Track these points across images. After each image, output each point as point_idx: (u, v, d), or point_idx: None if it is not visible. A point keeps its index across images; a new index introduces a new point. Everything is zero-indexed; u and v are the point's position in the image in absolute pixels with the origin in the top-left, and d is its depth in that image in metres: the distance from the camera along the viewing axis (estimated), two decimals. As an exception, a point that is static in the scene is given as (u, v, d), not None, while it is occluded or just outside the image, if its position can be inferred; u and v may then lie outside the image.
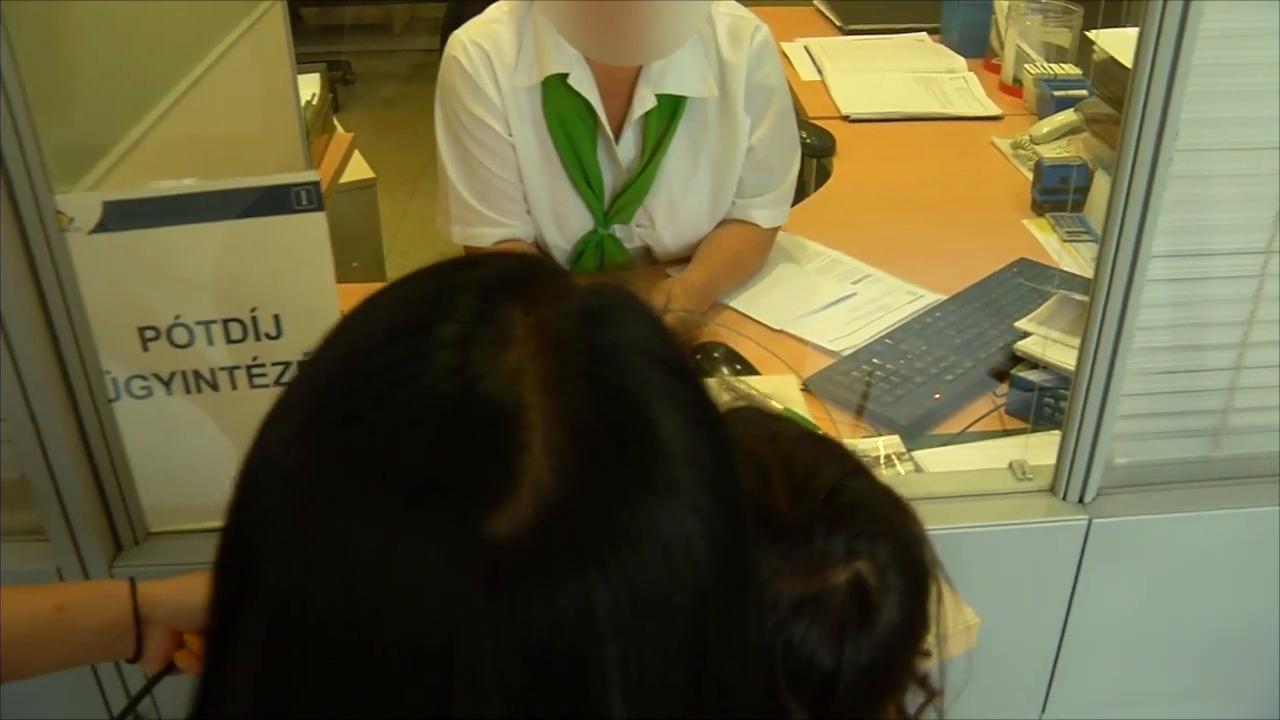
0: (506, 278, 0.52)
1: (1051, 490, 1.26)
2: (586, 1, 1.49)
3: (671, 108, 1.69)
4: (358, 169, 2.64)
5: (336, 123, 2.62)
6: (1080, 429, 1.20)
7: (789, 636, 0.67)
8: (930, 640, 0.74)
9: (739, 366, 1.54)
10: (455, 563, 0.45)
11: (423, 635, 0.45)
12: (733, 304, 1.74)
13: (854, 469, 0.74)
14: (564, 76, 1.63)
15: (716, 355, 1.56)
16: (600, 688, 0.46)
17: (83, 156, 1.29)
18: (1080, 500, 1.24)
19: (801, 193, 2.14)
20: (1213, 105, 1.09)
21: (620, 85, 1.68)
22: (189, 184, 1.06)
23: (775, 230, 1.83)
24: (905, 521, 0.73)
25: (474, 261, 0.54)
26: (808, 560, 0.67)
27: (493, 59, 1.65)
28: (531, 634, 0.45)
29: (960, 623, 0.99)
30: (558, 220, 1.75)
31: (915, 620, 0.71)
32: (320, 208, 1.05)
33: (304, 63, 3.60)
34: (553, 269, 0.55)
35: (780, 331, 1.68)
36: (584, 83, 1.64)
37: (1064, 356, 1.44)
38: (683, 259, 1.79)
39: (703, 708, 0.50)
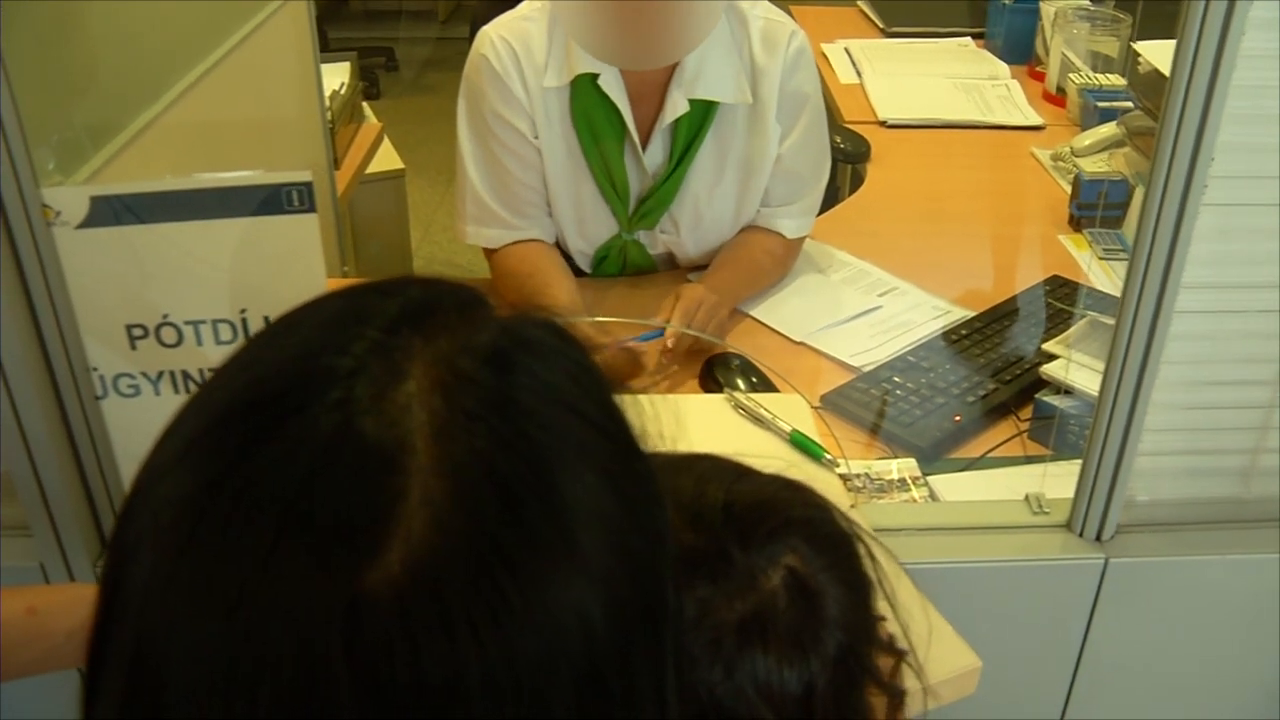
0: (416, 306, 0.48)
1: (1068, 526, 1.21)
2: (598, 5, 1.44)
3: (702, 113, 1.64)
4: (387, 159, 2.61)
5: (367, 111, 2.59)
6: (1100, 463, 1.15)
7: (751, 670, 0.64)
8: (881, 602, 0.70)
9: (755, 380, 1.50)
10: (315, 615, 0.41)
11: (281, 688, 0.41)
12: (753, 313, 1.70)
13: (734, 474, 0.71)
14: (594, 77, 1.59)
15: (733, 367, 1.52)
16: None
17: (94, 139, 1.27)
18: (1098, 538, 1.19)
19: (833, 199, 2.09)
20: (1252, 129, 1.03)
21: (651, 89, 1.63)
22: (180, 180, 1.03)
23: (800, 240, 1.78)
24: (803, 500, 0.71)
25: (387, 287, 0.50)
26: (737, 578, 0.65)
27: (522, 59, 1.61)
28: (392, 697, 0.41)
29: (959, 667, 0.94)
30: (580, 224, 1.72)
31: (858, 586, 0.69)
32: (312, 209, 1.02)
33: (347, 48, 3.60)
34: (471, 298, 0.50)
35: (800, 344, 1.64)
36: (613, 86, 1.60)
37: (1091, 382, 1.38)
38: (705, 265, 1.75)
39: None
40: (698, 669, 0.63)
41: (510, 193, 1.67)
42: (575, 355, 0.51)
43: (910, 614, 0.74)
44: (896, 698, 0.71)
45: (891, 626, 0.73)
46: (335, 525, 0.42)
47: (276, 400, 0.45)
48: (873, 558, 0.71)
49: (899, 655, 0.73)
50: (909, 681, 0.82)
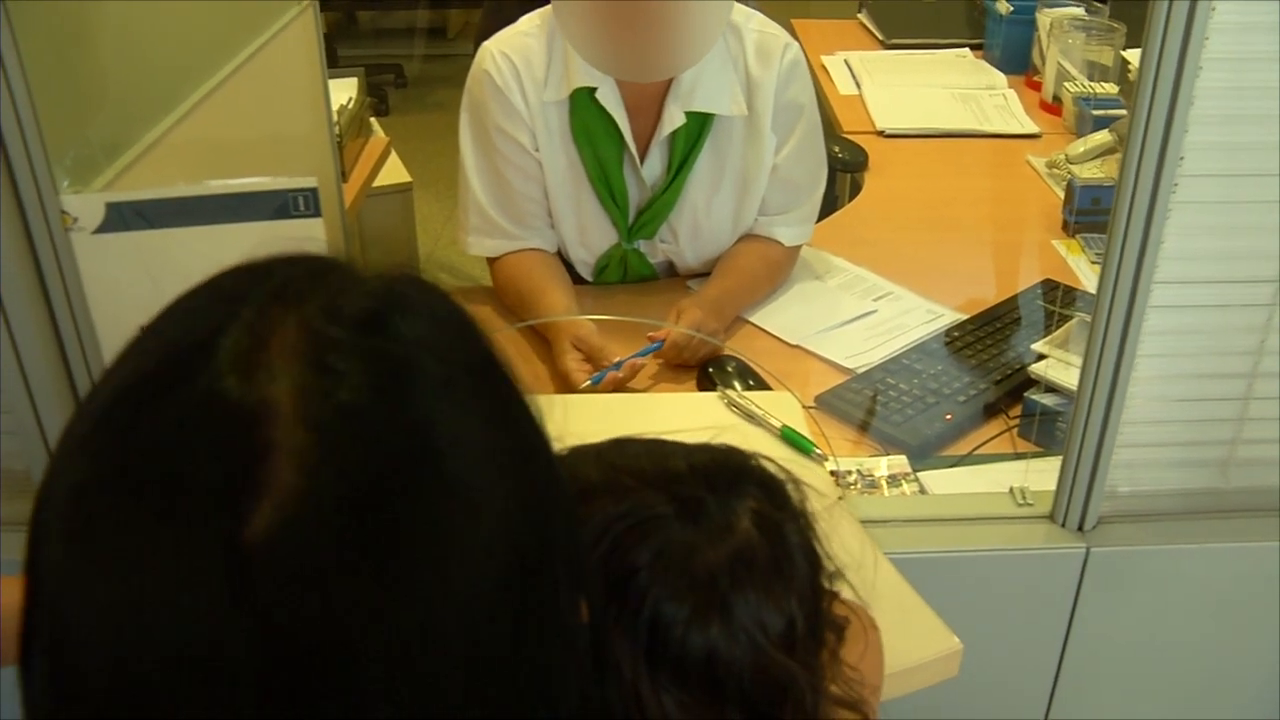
0: (279, 281, 0.51)
1: (1051, 517, 1.24)
2: (600, 18, 1.49)
3: (699, 126, 1.68)
4: (394, 173, 2.65)
5: (375, 126, 2.64)
6: (1080, 455, 1.18)
7: (746, 609, 0.67)
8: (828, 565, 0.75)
9: (751, 381, 1.53)
10: (201, 576, 0.44)
11: (183, 654, 0.44)
12: (750, 318, 1.74)
13: (685, 447, 0.76)
14: (592, 91, 1.63)
15: (729, 369, 1.56)
16: (366, 691, 0.45)
17: (107, 154, 1.31)
18: (1080, 528, 1.22)
19: (831, 207, 2.13)
20: (1221, 130, 1.07)
21: (649, 102, 1.67)
22: (193, 187, 1.08)
23: (797, 248, 1.82)
24: (746, 455, 0.75)
25: (252, 267, 0.53)
26: (715, 521, 0.69)
27: (522, 73, 1.65)
28: (285, 642, 0.44)
29: (940, 649, 0.98)
30: (581, 234, 1.75)
31: (803, 519, 0.73)
32: (317, 213, 1.07)
33: (356, 64, 3.65)
34: (333, 265, 0.53)
35: (796, 347, 1.67)
36: (611, 100, 1.64)
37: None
38: (705, 273, 1.79)
39: (514, 705, 0.50)
40: (689, 629, 0.66)
41: (511, 204, 1.71)
42: (441, 306, 0.53)
43: (846, 544, 0.77)
44: (839, 630, 0.75)
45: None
46: (210, 487, 0.45)
47: (151, 380, 0.48)
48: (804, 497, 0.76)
49: (839, 627, 0.76)
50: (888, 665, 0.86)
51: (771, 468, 0.75)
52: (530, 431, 0.54)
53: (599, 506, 0.69)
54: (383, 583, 0.45)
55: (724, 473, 0.72)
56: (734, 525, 0.69)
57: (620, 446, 0.76)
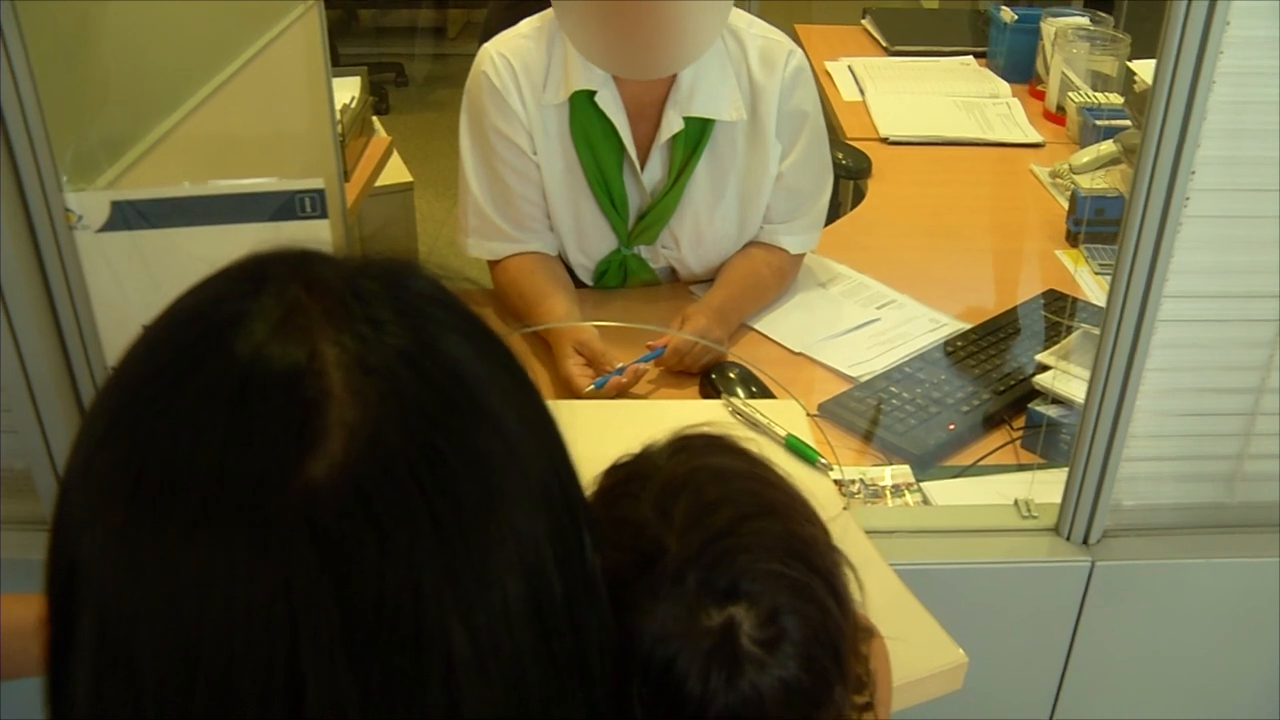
0: (294, 257, 0.53)
1: (1055, 530, 1.24)
2: (600, 15, 1.48)
3: (699, 131, 1.68)
4: (396, 172, 2.65)
5: (377, 125, 2.63)
6: (1086, 468, 1.18)
7: (652, 669, 0.65)
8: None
9: (754, 388, 1.53)
10: (276, 514, 0.45)
11: (250, 609, 0.45)
12: (754, 325, 1.73)
13: (776, 512, 0.72)
14: (591, 94, 1.63)
15: (732, 376, 1.55)
16: (436, 642, 0.47)
17: (109, 152, 1.30)
18: (1085, 541, 1.22)
19: (835, 214, 2.13)
20: (1234, 144, 1.07)
21: (649, 108, 1.67)
22: (196, 187, 1.07)
23: (802, 256, 1.81)
24: (814, 576, 0.69)
25: (262, 253, 0.54)
26: (677, 600, 0.66)
27: (520, 76, 1.65)
28: (358, 585, 0.45)
29: (944, 662, 0.97)
30: (580, 238, 1.75)
31: (822, 678, 0.68)
32: (324, 215, 1.06)
33: (357, 64, 3.64)
34: (325, 253, 0.55)
35: (799, 355, 1.67)
36: (611, 104, 1.64)
37: (1082, 392, 1.41)
38: (708, 280, 1.78)
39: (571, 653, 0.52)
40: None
41: (511, 206, 1.70)
42: (429, 273, 0.56)
43: (851, 555, 0.75)
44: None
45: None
46: (270, 433, 0.46)
47: (184, 357, 0.49)
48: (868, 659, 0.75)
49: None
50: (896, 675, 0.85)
51: (842, 612, 0.71)
52: (530, 383, 0.57)
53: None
54: (446, 497, 0.48)
55: (754, 565, 0.67)
56: (695, 616, 0.65)
57: (739, 463, 0.75)
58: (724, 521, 0.69)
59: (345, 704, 0.45)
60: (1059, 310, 1.77)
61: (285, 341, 0.48)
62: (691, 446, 0.75)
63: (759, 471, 0.75)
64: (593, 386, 1.50)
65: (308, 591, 0.45)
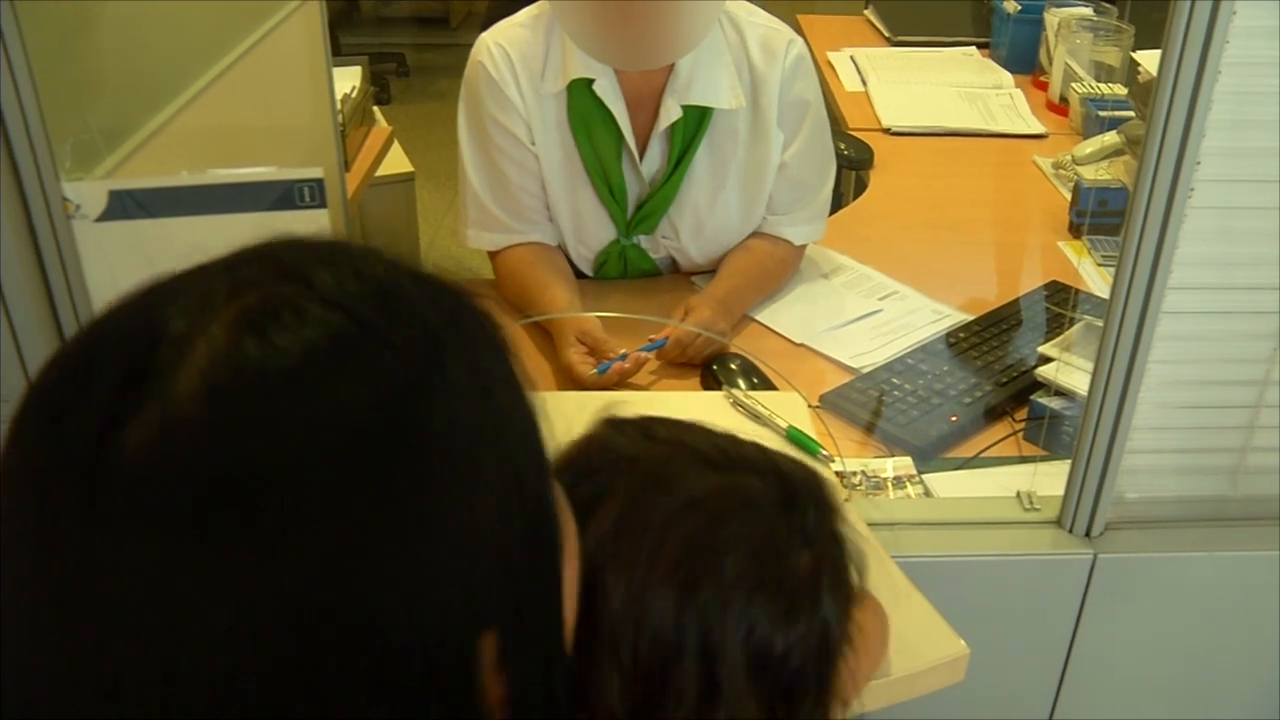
0: (231, 266, 0.53)
1: (1058, 523, 1.23)
2: (596, 7, 1.47)
3: (698, 120, 1.67)
4: (396, 162, 2.64)
5: (378, 115, 2.63)
6: (1089, 461, 1.17)
7: (748, 619, 0.67)
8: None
9: (756, 380, 1.52)
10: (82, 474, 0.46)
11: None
12: (756, 316, 1.73)
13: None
14: (589, 83, 1.62)
15: (733, 367, 1.55)
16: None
17: (108, 141, 1.30)
18: (1087, 534, 1.21)
19: (837, 204, 2.12)
20: (1238, 135, 1.06)
21: (647, 96, 1.66)
22: (195, 176, 1.06)
23: (804, 246, 1.80)
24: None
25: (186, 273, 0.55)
26: (778, 537, 0.69)
27: (518, 65, 1.64)
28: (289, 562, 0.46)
29: (946, 654, 0.97)
30: (578, 228, 1.74)
31: (841, 616, 0.72)
32: (323, 204, 1.06)
33: (358, 53, 3.64)
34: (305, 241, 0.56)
35: (801, 346, 1.66)
36: (609, 92, 1.63)
37: (1085, 384, 1.40)
38: (710, 270, 1.77)
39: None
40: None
41: (510, 197, 1.70)
42: (355, 258, 0.54)
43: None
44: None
45: None
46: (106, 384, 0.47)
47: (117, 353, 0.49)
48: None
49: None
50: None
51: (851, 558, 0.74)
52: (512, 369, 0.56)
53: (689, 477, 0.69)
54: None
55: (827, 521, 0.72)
56: (789, 555, 0.69)
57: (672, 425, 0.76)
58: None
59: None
60: (1062, 302, 1.76)
61: (185, 314, 0.48)
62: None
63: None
64: (595, 372, 1.50)
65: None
